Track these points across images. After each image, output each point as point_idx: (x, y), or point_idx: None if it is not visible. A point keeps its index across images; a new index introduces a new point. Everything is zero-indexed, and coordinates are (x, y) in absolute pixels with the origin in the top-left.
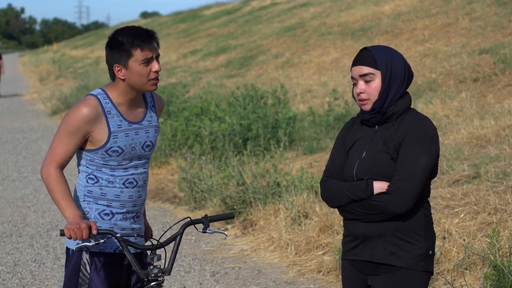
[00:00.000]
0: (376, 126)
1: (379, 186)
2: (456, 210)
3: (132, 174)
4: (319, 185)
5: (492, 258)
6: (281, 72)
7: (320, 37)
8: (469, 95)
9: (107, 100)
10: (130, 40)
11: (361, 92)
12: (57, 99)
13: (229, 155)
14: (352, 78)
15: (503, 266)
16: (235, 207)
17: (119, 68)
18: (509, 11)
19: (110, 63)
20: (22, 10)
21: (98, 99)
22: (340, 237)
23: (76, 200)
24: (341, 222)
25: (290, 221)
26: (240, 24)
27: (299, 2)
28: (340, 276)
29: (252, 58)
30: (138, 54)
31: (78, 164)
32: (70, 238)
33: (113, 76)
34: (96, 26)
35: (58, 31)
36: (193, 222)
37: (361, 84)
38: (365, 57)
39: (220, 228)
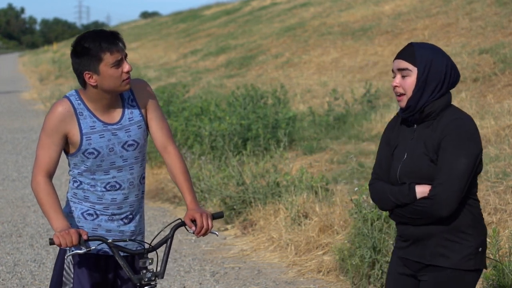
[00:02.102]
0: (415, 125)
1: (421, 191)
2: None
3: (114, 177)
4: (318, 186)
5: (492, 258)
6: (281, 72)
7: (320, 37)
8: (469, 95)
9: (79, 101)
10: (97, 45)
11: (396, 86)
12: (57, 99)
13: (229, 155)
14: (392, 70)
15: (503, 266)
16: (235, 207)
17: (89, 75)
18: (509, 11)
19: (79, 72)
20: (22, 10)
21: (70, 100)
22: (339, 237)
23: (66, 201)
24: (341, 222)
25: (290, 221)
26: (240, 24)
27: (299, 2)
28: (340, 277)
29: (252, 58)
30: (108, 58)
31: (68, 170)
32: (60, 245)
33: (83, 84)
34: (96, 26)
35: (58, 31)
36: (183, 224)
37: (398, 77)
38: (406, 51)
39: (219, 228)
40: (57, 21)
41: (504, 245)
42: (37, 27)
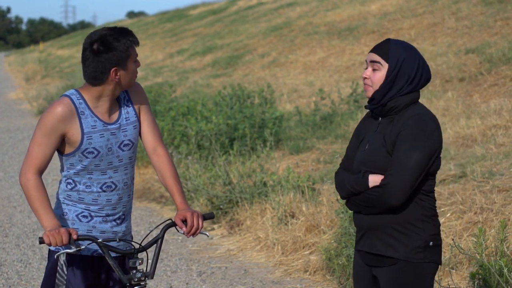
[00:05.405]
0: (380, 118)
1: (374, 180)
2: (442, 209)
3: (110, 177)
4: (305, 186)
5: (479, 257)
6: (267, 71)
7: (306, 37)
8: (455, 94)
9: (81, 101)
10: (126, 40)
11: (365, 77)
12: (43, 98)
13: (216, 154)
14: (366, 61)
15: (489, 265)
16: (221, 206)
17: (117, 71)
18: (495, 10)
19: (107, 68)
20: (8, 10)
21: (71, 99)
22: (326, 237)
23: (57, 203)
24: (328, 222)
25: (276, 221)
26: (227, 23)
27: (285, 1)
28: (327, 276)
29: (239, 58)
30: (134, 53)
31: (61, 170)
32: (50, 244)
33: (104, 80)
34: (83, 25)
35: (44, 31)
36: (174, 224)
37: (369, 70)
38: (382, 46)
39: (206, 228)
40: (43, 21)
41: (491, 244)
42: (23, 26)
